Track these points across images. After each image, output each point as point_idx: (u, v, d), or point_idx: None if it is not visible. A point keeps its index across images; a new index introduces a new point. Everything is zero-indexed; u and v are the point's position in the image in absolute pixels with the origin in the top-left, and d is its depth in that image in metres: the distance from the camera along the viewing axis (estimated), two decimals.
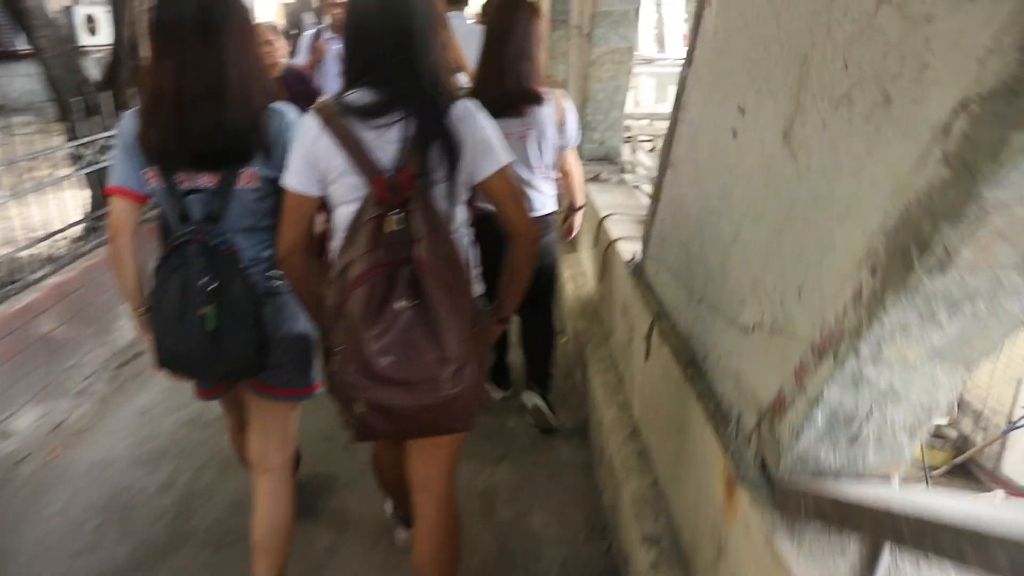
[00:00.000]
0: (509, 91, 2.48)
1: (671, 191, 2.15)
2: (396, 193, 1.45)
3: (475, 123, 1.54)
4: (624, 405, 2.59)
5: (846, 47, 1.04)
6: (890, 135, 0.94)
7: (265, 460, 1.96)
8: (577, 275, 3.91)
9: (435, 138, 1.48)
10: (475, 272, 1.72)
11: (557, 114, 2.60)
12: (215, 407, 2.40)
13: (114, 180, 1.73)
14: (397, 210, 1.44)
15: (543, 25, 2.72)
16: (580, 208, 3.01)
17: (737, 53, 1.52)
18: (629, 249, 2.85)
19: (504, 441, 3.04)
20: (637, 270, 2.58)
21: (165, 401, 3.49)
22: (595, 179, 3.99)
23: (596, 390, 2.79)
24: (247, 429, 2.02)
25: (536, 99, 2.53)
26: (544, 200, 2.74)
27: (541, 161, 2.66)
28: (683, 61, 1.97)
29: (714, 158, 1.69)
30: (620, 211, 3.38)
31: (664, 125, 5.93)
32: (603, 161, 4.41)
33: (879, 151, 0.96)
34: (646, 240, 2.49)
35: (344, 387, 1.48)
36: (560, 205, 2.92)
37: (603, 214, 3.30)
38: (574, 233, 3.11)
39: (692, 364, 1.87)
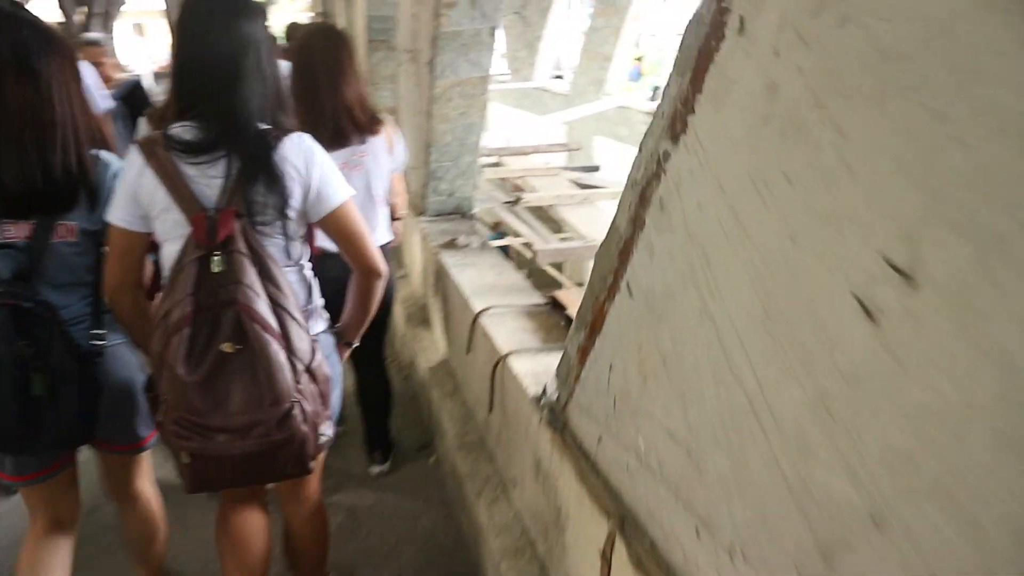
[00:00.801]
0: (336, 122, 2.27)
1: (628, 332, 1.32)
2: (216, 233, 1.40)
3: (308, 159, 1.50)
4: None
5: None
6: None
7: (124, 492, 1.94)
8: (443, 379, 2.99)
9: (260, 175, 1.44)
10: (318, 304, 1.69)
11: (387, 140, 2.44)
12: None
13: None
14: (219, 251, 1.39)
15: (358, 47, 2.33)
16: (401, 218, 2.84)
17: (869, 135, 0.70)
18: (529, 372, 2.01)
19: None
20: (555, 419, 1.74)
21: None
22: (451, 245, 3.11)
23: None
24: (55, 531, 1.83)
25: (367, 128, 2.34)
26: (381, 231, 2.54)
27: (378, 190, 2.47)
28: (654, 126, 1.14)
29: (780, 336, 0.86)
30: (497, 297, 2.52)
31: (522, 163, 5.16)
32: (454, 216, 3.54)
33: None
34: (568, 377, 1.66)
35: (169, 437, 1.44)
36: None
37: (477, 308, 2.42)
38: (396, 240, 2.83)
39: None
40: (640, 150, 1.19)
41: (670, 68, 1.07)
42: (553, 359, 2.11)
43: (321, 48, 2.23)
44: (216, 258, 1.38)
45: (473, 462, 2.41)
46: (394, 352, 3.97)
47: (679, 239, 1.08)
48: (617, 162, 9.30)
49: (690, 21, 1.00)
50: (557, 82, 12.13)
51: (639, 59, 10.93)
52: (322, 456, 1.80)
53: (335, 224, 1.55)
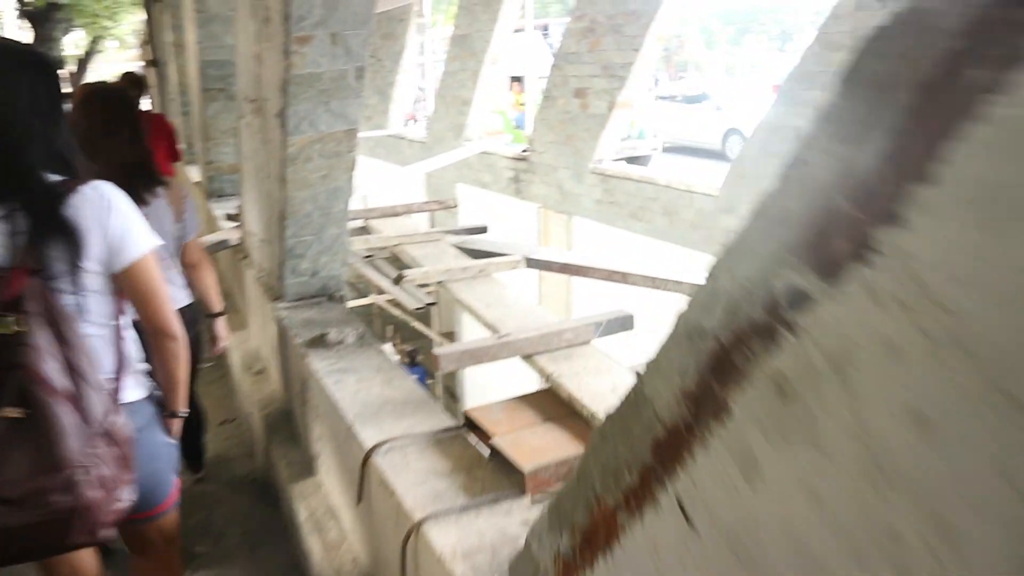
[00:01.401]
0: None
1: None
2: (3, 292, 1.34)
3: (106, 209, 1.44)
4: None
5: None
6: None
7: None
8: (324, 522, 2.29)
9: (52, 230, 1.38)
10: (134, 367, 1.60)
11: (174, 202, 2.34)
12: None
13: None
14: (8, 312, 1.33)
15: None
16: (220, 314, 2.62)
17: None
18: (457, 550, 1.40)
19: None
20: None
21: None
22: (320, 342, 2.44)
23: None
24: None
25: (144, 192, 2.19)
26: (176, 293, 2.33)
27: (165, 253, 2.27)
28: (751, 237, 0.60)
29: None
30: (391, 420, 1.89)
31: (395, 227, 4.50)
32: (319, 299, 2.87)
33: None
34: None
35: None
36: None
37: (368, 442, 1.78)
38: (223, 345, 2.67)
39: None
40: (711, 277, 0.64)
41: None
42: (485, 522, 1.52)
43: (93, 109, 2.16)
44: (5, 319, 1.33)
45: None
46: (255, 467, 3.21)
47: (846, 468, 0.53)
48: (483, 210, 8.84)
49: (886, 28, 0.46)
50: (413, 129, 11.58)
51: (523, 104, 10.32)
52: None
53: (131, 279, 1.48)
